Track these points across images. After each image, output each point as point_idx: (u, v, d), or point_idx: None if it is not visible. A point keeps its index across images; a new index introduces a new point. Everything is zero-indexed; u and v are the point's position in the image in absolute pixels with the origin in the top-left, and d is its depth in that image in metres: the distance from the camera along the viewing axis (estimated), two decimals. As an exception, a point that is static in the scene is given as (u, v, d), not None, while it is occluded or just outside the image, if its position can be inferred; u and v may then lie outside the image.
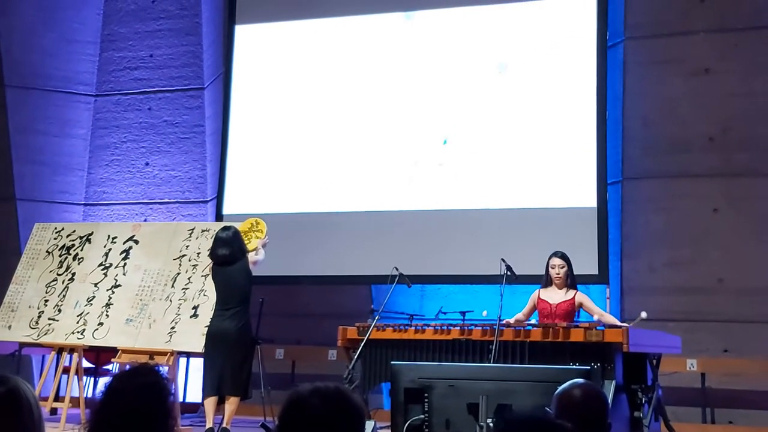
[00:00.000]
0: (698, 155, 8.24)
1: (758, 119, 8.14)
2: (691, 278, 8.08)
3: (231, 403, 6.43)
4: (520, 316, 6.27)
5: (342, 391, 2.11)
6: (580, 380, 2.87)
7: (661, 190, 8.34)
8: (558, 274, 6.18)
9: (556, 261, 6.22)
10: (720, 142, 8.20)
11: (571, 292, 6.19)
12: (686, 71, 8.38)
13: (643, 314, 5.96)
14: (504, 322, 5.90)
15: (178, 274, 7.73)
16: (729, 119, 8.20)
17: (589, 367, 5.12)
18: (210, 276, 6.81)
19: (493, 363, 5.47)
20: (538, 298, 6.24)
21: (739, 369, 7.83)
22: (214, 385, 6.41)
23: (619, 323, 5.86)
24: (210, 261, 6.78)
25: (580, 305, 6.15)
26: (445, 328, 5.96)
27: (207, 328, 6.61)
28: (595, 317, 6.04)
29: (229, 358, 6.40)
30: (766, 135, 8.10)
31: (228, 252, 6.57)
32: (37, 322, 7.79)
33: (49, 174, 10.29)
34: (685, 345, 6.58)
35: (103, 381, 8.19)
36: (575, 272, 6.30)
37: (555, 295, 6.19)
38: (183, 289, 7.63)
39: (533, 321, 6.19)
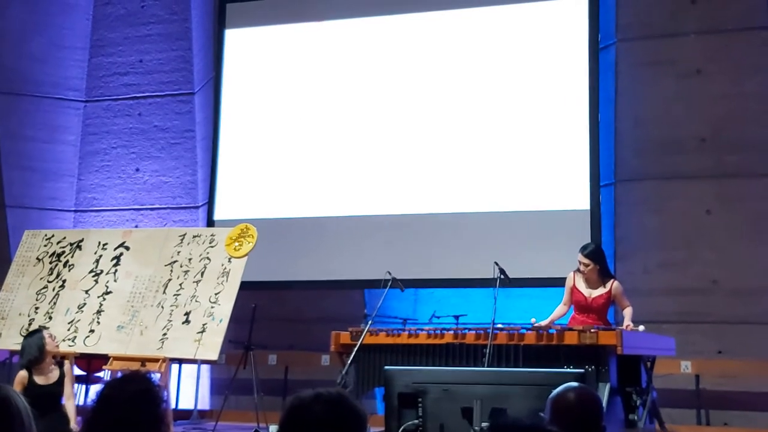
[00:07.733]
0: (690, 156, 8.24)
1: (749, 120, 8.15)
2: (685, 280, 8.07)
3: None
4: (561, 307, 6.26)
5: (344, 397, 2.08)
6: (575, 383, 2.86)
7: (654, 191, 8.34)
8: (584, 271, 6.14)
9: (582, 259, 6.14)
10: (712, 143, 8.21)
11: (608, 283, 6.15)
12: (678, 73, 8.39)
13: (641, 327, 5.96)
14: (550, 319, 6.01)
15: (170, 280, 7.66)
16: (720, 120, 8.21)
17: (583, 370, 5.12)
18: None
19: (487, 367, 5.46)
20: (573, 286, 6.19)
21: (733, 370, 7.82)
22: None
23: (631, 325, 5.88)
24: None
25: (615, 297, 6.14)
26: (438, 332, 5.96)
27: None
28: (623, 311, 6.12)
29: None
30: (757, 135, 8.11)
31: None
32: (27, 330, 7.72)
33: (38, 180, 10.23)
34: (680, 347, 6.58)
35: (95, 388, 8.16)
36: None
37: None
38: (174, 295, 7.56)
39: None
